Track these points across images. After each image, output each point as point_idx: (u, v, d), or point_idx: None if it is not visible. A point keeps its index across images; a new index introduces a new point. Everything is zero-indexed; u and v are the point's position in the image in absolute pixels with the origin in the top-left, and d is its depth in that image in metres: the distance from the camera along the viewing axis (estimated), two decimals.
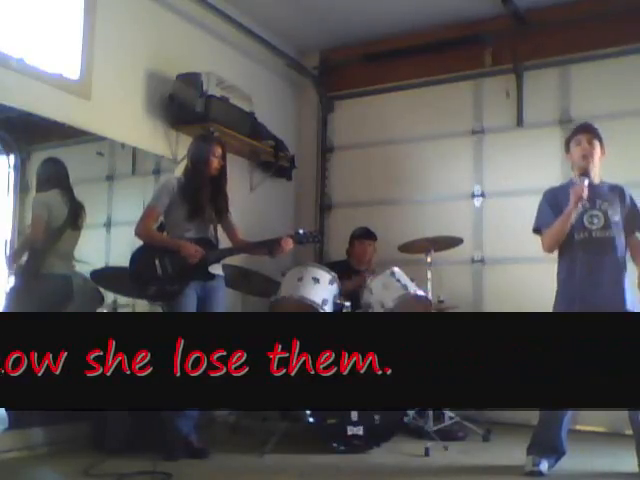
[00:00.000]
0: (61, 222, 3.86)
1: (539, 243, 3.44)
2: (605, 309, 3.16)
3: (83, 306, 4.25)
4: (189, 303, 3.50)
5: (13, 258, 3.79)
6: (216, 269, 3.65)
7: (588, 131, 3.35)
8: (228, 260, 3.92)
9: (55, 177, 3.91)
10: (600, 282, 3.21)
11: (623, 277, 3.24)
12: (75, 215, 3.93)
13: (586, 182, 3.19)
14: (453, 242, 4.35)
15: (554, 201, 3.37)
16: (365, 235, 4.90)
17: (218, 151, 3.66)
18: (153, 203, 3.61)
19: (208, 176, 3.63)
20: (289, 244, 3.61)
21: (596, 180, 3.35)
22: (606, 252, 3.24)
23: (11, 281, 3.76)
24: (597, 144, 3.33)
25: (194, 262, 3.48)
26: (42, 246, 3.82)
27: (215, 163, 3.64)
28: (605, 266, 3.23)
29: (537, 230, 3.43)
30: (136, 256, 3.59)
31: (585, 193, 3.18)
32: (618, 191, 3.36)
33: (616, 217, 3.26)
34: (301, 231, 3.68)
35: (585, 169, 3.29)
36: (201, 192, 3.60)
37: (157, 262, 3.50)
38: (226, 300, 3.74)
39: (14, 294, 3.74)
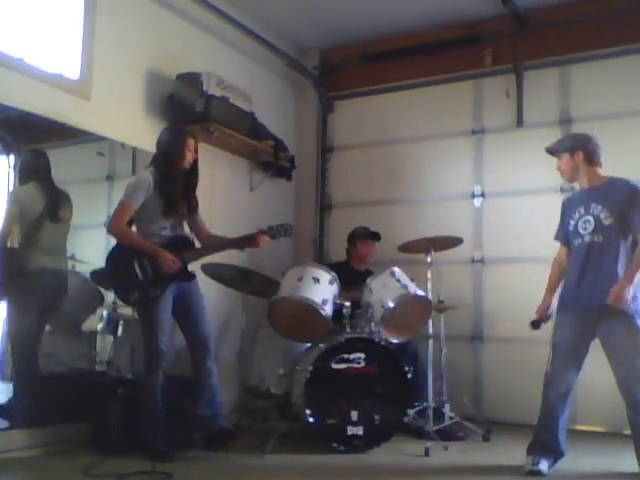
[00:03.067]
0: (36, 215, 3.75)
1: (539, 243, 3.47)
2: (605, 311, 3.17)
3: (83, 306, 4.25)
4: (163, 304, 3.45)
5: None
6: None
7: (550, 153, 3.52)
8: (227, 259, 3.93)
9: (33, 169, 3.84)
10: (595, 285, 3.21)
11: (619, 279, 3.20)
12: (54, 207, 3.80)
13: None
14: (453, 242, 4.33)
15: (567, 209, 3.49)
16: (369, 236, 4.88)
17: (192, 144, 3.58)
18: (128, 200, 3.46)
19: (182, 170, 3.56)
20: (264, 240, 3.59)
21: (586, 184, 3.37)
22: (597, 255, 3.24)
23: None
24: (562, 157, 3.42)
25: (171, 272, 3.41)
26: (21, 242, 3.73)
27: (189, 157, 3.56)
28: (595, 268, 3.23)
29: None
30: (112, 259, 3.49)
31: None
32: (620, 186, 3.28)
33: (607, 221, 3.23)
34: (273, 225, 3.63)
35: (567, 181, 3.67)
36: (174, 186, 3.52)
37: (136, 265, 3.41)
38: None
39: (6, 293, 3.73)
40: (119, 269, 3.45)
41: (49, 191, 3.82)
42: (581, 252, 3.30)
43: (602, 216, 3.25)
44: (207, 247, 3.71)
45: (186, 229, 3.68)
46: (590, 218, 3.28)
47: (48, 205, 3.79)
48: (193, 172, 3.64)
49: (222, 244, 3.73)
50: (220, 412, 3.60)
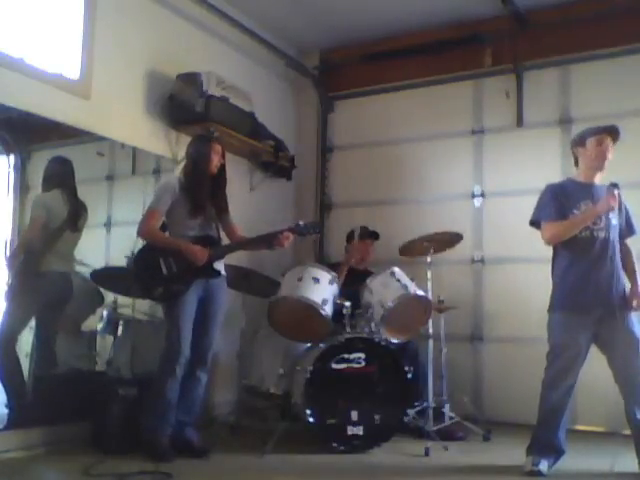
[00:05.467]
0: (60, 223, 3.84)
1: (539, 243, 3.43)
2: (610, 306, 3.18)
3: (83, 306, 4.25)
4: (188, 303, 3.49)
5: (12, 258, 3.78)
6: (220, 268, 3.65)
7: (615, 134, 3.33)
8: (229, 260, 3.93)
9: (58, 176, 3.90)
10: (602, 280, 3.23)
11: (623, 277, 3.31)
12: (75, 217, 3.90)
13: (616, 192, 3.19)
14: (453, 240, 4.31)
15: (562, 196, 3.33)
16: (368, 235, 4.89)
17: (218, 149, 3.67)
18: (155, 204, 3.59)
19: (209, 174, 3.63)
20: (289, 238, 3.61)
21: (599, 179, 3.38)
22: (605, 252, 3.26)
23: (10, 280, 3.76)
24: (613, 146, 3.33)
25: (200, 264, 3.48)
26: (39, 246, 3.80)
27: (216, 161, 3.64)
28: (605, 265, 3.24)
29: (535, 222, 3.41)
30: (139, 258, 3.58)
31: (616, 204, 3.20)
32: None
33: (615, 220, 3.28)
34: (301, 223, 3.68)
35: (599, 169, 3.34)
36: (202, 190, 3.60)
37: (161, 262, 3.49)
38: (227, 300, 3.73)
39: (13, 293, 3.74)
40: (145, 267, 3.53)
41: (72, 201, 3.90)
42: (592, 247, 3.25)
43: (611, 214, 3.26)
44: (229, 245, 3.74)
45: (214, 230, 3.69)
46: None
47: (70, 214, 3.88)
48: (221, 176, 3.70)
49: (243, 242, 3.77)
50: (193, 421, 3.60)
